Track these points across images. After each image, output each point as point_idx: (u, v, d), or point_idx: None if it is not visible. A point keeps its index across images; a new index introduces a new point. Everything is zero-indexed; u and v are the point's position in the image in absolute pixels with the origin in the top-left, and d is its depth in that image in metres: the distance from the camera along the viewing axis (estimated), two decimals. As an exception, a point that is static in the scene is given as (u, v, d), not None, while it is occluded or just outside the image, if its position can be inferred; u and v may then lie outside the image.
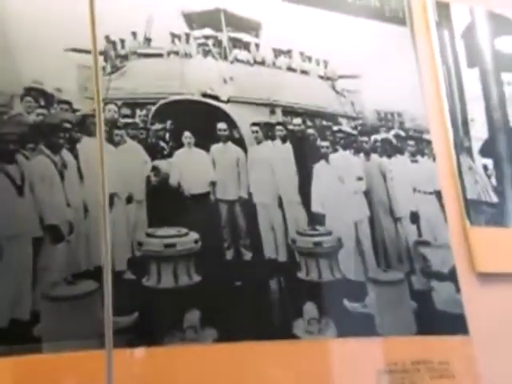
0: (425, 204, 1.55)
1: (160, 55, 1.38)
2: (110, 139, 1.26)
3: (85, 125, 1.23)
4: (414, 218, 1.52)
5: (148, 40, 1.37)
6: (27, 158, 1.17)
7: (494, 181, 1.66)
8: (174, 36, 1.40)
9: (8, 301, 1.07)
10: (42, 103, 1.22)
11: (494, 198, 1.64)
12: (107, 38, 1.32)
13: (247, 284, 1.29)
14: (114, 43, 1.32)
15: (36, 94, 1.21)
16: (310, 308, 1.33)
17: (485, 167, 1.67)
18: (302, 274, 1.35)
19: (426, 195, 1.56)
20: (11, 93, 1.19)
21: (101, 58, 1.30)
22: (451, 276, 1.51)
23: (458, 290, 1.50)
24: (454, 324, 1.46)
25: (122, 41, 1.34)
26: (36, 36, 1.25)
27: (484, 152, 1.67)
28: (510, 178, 1.69)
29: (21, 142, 1.18)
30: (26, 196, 1.15)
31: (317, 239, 1.39)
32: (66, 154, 1.21)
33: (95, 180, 1.21)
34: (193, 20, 1.43)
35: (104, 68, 1.30)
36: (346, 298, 1.37)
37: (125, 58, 1.33)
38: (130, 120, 1.29)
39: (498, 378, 1.44)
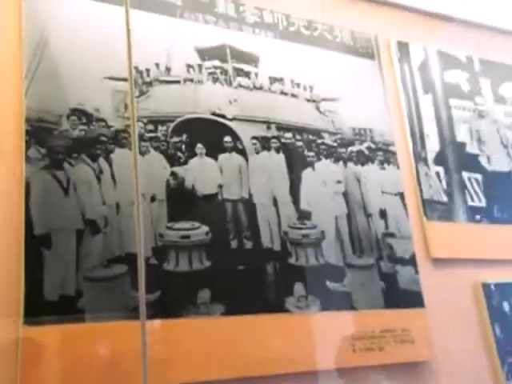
0: (391, 203, 1.62)
1: (178, 82, 1.43)
2: (138, 150, 1.31)
3: (117, 138, 1.30)
4: (383, 214, 1.59)
5: (168, 69, 1.42)
6: (72, 166, 1.24)
7: (444, 184, 1.73)
8: (189, 66, 1.46)
9: (57, 280, 1.14)
10: (84, 121, 1.28)
11: (445, 198, 1.71)
12: (136, 68, 1.37)
13: (248, 268, 1.35)
14: (141, 72, 1.38)
15: (79, 113, 1.28)
16: (299, 287, 1.39)
17: (437, 174, 1.73)
18: (292, 260, 1.41)
19: (392, 196, 1.63)
20: (60, 113, 1.26)
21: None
22: (411, 261, 1.58)
23: (416, 272, 1.57)
24: (413, 299, 1.54)
25: (148, 70, 1.40)
26: (79, 66, 1.31)
27: (437, 161, 1.75)
28: (456, 182, 1.76)
29: (67, 153, 1.24)
30: (70, 196, 1.22)
31: (304, 232, 1.46)
32: (102, 162, 1.27)
33: (126, 183, 1.28)
34: (204, 54, 1.49)
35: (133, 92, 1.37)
36: (327, 280, 1.44)
37: (149, 84, 1.39)
38: (153, 134, 1.34)
39: (446, 341, 1.53)
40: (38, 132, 1.23)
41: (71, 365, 1.10)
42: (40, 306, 1.11)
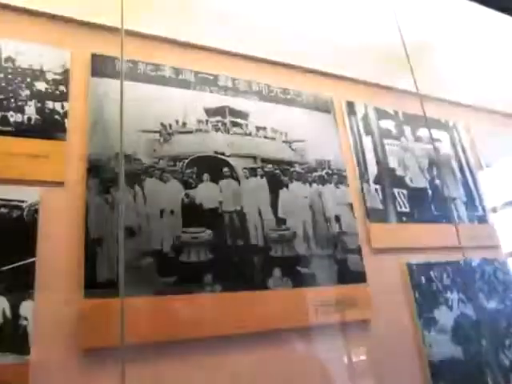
0: (343, 211, 1.52)
1: (191, 132, 1.37)
2: (161, 179, 1.26)
3: (147, 171, 1.24)
4: (337, 219, 1.50)
5: (184, 124, 1.36)
6: (116, 191, 1.20)
7: (381, 197, 1.64)
8: (199, 121, 1.39)
9: (105, 268, 1.09)
10: (125, 160, 1.22)
11: (381, 206, 1.62)
12: (162, 123, 1.32)
13: (240, 258, 1.28)
14: (165, 126, 1.33)
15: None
16: (277, 272, 1.31)
17: (376, 190, 1.64)
18: (272, 253, 1.33)
19: (344, 206, 1.53)
20: (109, 156, 1.21)
21: (157, 135, 1.32)
22: (358, 251, 1.48)
23: (361, 258, 1.48)
24: (359, 277, 1.44)
25: (170, 125, 1.34)
26: (123, 124, 1.24)
27: (375, 181, 1.65)
28: (389, 195, 1.66)
29: (113, 182, 1.19)
30: (115, 211, 1.17)
31: (281, 233, 1.37)
32: (137, 187, 1.21)
33: (153, 201, 1.23)
34: (210, 112, 1.42)
35: (159, 140, 1.30)
36: (298, 266, 1.36)
37: (171, 134, 1.33)
38: (173, 168, 1.28)
39: (382, 305, 1.43)
40: (95, 169, 1.18)
41: (113, 325, 1.04)
42: (94, 286, 1.07)
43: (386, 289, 1.48)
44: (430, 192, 1.77)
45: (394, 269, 1.54)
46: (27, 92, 1.20)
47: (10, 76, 1.19)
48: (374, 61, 1.82)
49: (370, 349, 1.37)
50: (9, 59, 1.21)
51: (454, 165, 1.93)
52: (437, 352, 1.46)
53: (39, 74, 1.23)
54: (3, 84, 1.18)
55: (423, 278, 1.56)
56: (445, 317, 1.53)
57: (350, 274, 1.44)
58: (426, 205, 1.73)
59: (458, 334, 1.53)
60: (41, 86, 1.22)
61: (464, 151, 1.99)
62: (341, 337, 1.34)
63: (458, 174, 1.92)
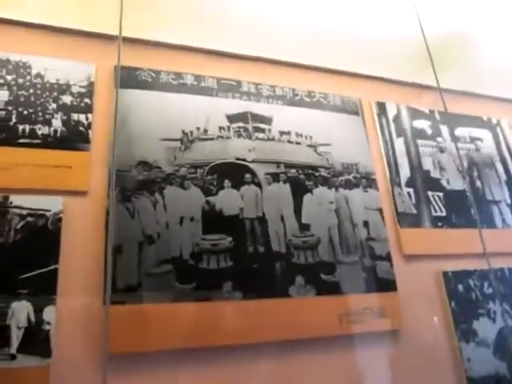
0: (372, 216, 1.46)
1: (212, 139, 1.37)
2: (182, 186, 1.26)
3: (168, 179, 1.26)
4: (365, 224, 1.44)
5: (205, 131, 1.37)
6: (137, 199, 1.21)
7: (413, 201, 1.55)
8: (220, 128, 1.39)
9: (125, 275, 1.11)
10: (146, 169, 1.25)
11: (414, 211, 1.54)
12: (183, 131, 1.33)
13: (261, 266, 1.25)
14: (186, 134, 1.33)
15: (143, 164, 1.25)
16: (299, 279, 1.28)
17: (408, 193, 1.56)
18: (295, 260, 1.30)
19: (373, 211, 1.47)
20: (130, 164, 1.24)
21: (178, 142, 1.33)
22: (387, 257, 1.41)
23: (391, 265, 1.41)
24: (388, 285, 1.38)
25: (191, 132, 1.34)
26: (145, 133, 1.29)
27: (408, 184, 1.57)
28: (422, 199, 1.57)
29: (134, 190, 1.21)
30: (135, 219, 1.18)
31: (304, 239, 1.34)
32: (157, 195, 1.23)
33: (173, 209, 1.24)
34: (232, 118, 1.42)
35: (180, 148, 1.31)
36: (321, 273, 1.32)
37: (192, 141, 1.33)
38: (193, 175, 1.28)
39: (414, 314, 1.36)
40: (116, 177, 1.21)
41: (133, 331, 1.07)
42: (113, 292, 1.09)
43: (418, 298, 1.40)
44: (469, 195, 1.67)
45: (427, 276, 1.46)
46: (54, 105, 1.25)
47: (38, 91, 1.25)
48: (405, 59, 1.74)
49: (400, 362, 1.29)
50: (38, 75, 1.27)
51: (498, 165, 1.80)
52: (477, 367, 1.36)
53: (65, 88, 1.28)
54: (32, 99, 1.24)
55: (460, 287, 1.46)
56: (486, 329, 1.43)
57: (379, 282, 1.38)
58: (465, 208, 1.63)
59: (502, 348, 1.42)
60: (67, 99, 1.27)
61: (509, 150, 1.86)
62: (367, 348, 1.28)
63: (503, 175, 1.78)
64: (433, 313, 1.40)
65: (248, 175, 1.36)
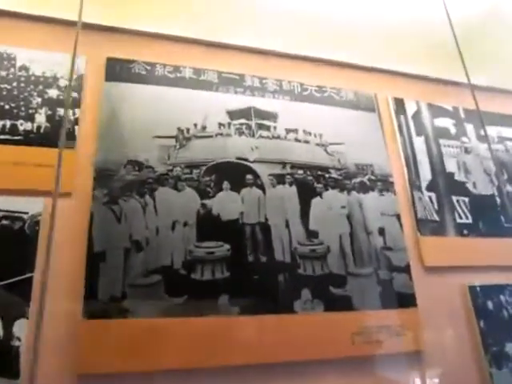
0: (389, 223, 1.31)
1: (211, 136, 1.25)
2: (175, 187, 1.15)
3: (160, 180, 1.14)
4: (381, 231, 1.29)
5: (204, 128, 1.25)
6: (125, 201, 1.09)
7: (436, 206, 1.39)
8: (220, 124, 1.27)
9: (108, 285, 1.00)
10: (137, 168, 1.13)
11: (436, 217, 1.38)
12: (178, 128, 1.22)
13: (262, 277, 1.12)
14: (182, 131, 1.22)
15: (133, 163, 1.14)
16: (305, 293, 1.14)
17: (430, 198, 1.40)
18: (301, 271, 1.16)
19: (390, 217, 1.32)
20: (120, 163, 1.13)
21: (173, 140, 1.21)
22: (406, 269, 1.26)
23: (410, 278, 1.25)
24: (407, 301, 1.22)
25: (188, 129, 1.23)
26: (136, 131, 1.18)
27: (429, 188, 1.41)
28: (446, 204, 1.41)
29: (122, 191, 1.10)
30: (122, 223, 1.07)
31: (312, 247, 1.20)
32: (147, 197, 1.11)
33: (165, 212, 1.12)
34: (233, 114, 1.30)
35: (175, 146, 1.20)
36: (331, 286, 1.17)
37: (188, 139, 1.22)
38: (188, 176, 1.16)
39: (437, 334, 1.21)
40: (103, 178, 1.10)
41: (115, 349, 0.95)
42: (94, 304, 0.97)
43: (440, 315, 1.24)
44: (498, 200, 1.50)
45: (451, 291, 1.29)
46: (38, 100, 1.15)
47: (22, 84, 1.16)
48: (426, 52, 1.58)
49: (421, 388, 1.14)
50: (23, 67, 1.18)
51: (532, 167, 1.63)
52: (511, 395, 1.20)
53: (52, 81, 1.18)
54: (15, 93, 1.14)
55: (490, 304, 1.29)
56: (521, 353, 1.26)
57: (396, 297, 1.22)
58: (494, 215, 1.46)
59: (541, 374, 1.24)
60: (53, 93, 1.17)
61: (543, 151, 1.68)
62: (383, 372, 1.12)
63: (538, 179, 1.61)
64: (458, 333, 1.23)
65: (250, 176, 1.24)
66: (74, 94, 1.18)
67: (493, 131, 1.63)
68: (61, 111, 1.15)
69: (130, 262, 1.04)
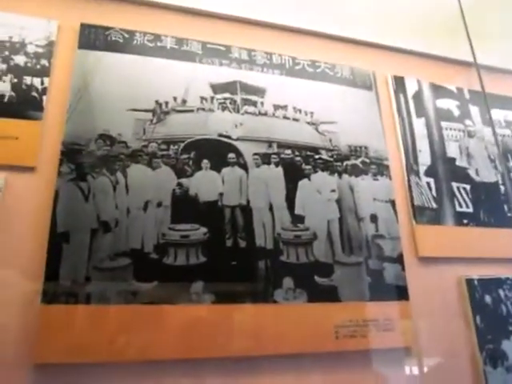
0: (382, 209, 1.22)
1: (191, 111, 1.15)
2: (150, 165, 1.06)
3: (134, 156, 1.05)
4: (373, 218, 1.20)
5: (184, 101, 1.15)
6: (94, 178, 1.01)
7: (434, 193, 1.30)
8: (202, 98, 1.17)
9: (71, 269, 0.91)
10: (108, 143, 1.04)
11: (434, 205, 1.28)
12: (156, 101, 1.12)
13: (241, 263, 1.03)
14: (160, 104, 1.12)
15: (105, 137, 1.05)
16: (287, 281, 1.06)
17: (428, 184, 1.30)
18: (283, 258, 1.08)
19: (383, 203, 1.23)
20: (89, 137, 1.04)
21: (150, 114, 1.13)
22: (399, 259, 1.17)
23: (403, 269, 1.17)
24: (398, 293, 1.13)
25: (166, 103, 1.13)
26: (109, 103, 1.08)
27: (428, 173, 1.32)
28: (445, 191, 1.32)
29: (91, 168, 1.01)
30: (89, 202, 0.99)
31: (297, 233, 1.11)
32: (119, 175, 1.03)
33: (137, 191, 1.04)
34: (217, 88, 1.20)
35: (151, 120, 1.10)
36: (316, 275, 1.09)
37: (167, 113, 1.12)
38: (165, 152, 1.07)
39: (429, 329, 1.12)
40: (71, 152, 1.01)
41: (76, 337, 0.88)
42: (55, 288, 0.89)
43: (434, 309, 1.16)
44: (502, 188, 1.40)
45: (446, 284, 1.20)
46: (3, 66, 1.06)
47: (-15, 49, 1.07)
48: (430, 28, 1.48)
49: (409, 387, 1.06)
50: (-13, 31, 1.09)
51: (540, 154, 1.52)
52: (506, 397, 1.12)
53: (19, 47, 1.09)
54: (-23, 58, 1.06)
55: (488, 298, 1.20)
56: (519, 351, 1.17)
57: (387, 289, 1.14)
58: (497, 204, 1.36)
59: (539, 374, 1.16)
60: (19, 59, 1.07)
61: (553, 137, 1.58)
62: (370, 369, 1.04)
63: (546, 167, 1.51)
64: (452, 329, 1.15)
65: (232, 155, 1.14)
66: (44, 62, 1.09)
67: (499, 115, 1.52)
68: (28, 79, 1.07)
69: (96, 243, 0.95)
